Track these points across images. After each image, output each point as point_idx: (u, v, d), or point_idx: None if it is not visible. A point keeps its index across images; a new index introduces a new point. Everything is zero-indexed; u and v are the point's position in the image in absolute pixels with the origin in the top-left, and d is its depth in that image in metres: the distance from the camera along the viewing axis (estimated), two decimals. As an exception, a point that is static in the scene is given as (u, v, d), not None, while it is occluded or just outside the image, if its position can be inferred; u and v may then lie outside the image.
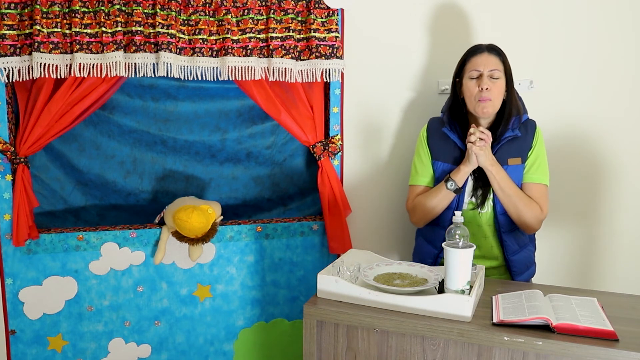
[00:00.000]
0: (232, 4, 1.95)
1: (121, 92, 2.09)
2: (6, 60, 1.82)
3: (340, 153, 2.16)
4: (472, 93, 1.78)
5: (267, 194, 2.32)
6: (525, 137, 1.82)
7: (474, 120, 1.85)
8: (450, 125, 1.86)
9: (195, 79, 1.97)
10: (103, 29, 1.85)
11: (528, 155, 1.82)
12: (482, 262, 1.85)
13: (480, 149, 1.72)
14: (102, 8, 1.85)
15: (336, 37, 2.01)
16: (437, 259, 1.90)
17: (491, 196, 1.81)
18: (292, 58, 2.00)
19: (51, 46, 1.83)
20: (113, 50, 1.85)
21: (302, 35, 2.01)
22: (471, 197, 1.84)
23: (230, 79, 1.98)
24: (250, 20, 1.96)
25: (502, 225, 1.82)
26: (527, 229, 1.83)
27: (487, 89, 1.75)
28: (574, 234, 2.32)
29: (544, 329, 1.35)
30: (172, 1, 1.89)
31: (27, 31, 1.83)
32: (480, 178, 1.81)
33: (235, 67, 1.95)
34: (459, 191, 1.79)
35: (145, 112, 2.14)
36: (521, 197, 1.77)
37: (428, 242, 1.94)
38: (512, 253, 1.84)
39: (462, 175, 1.78)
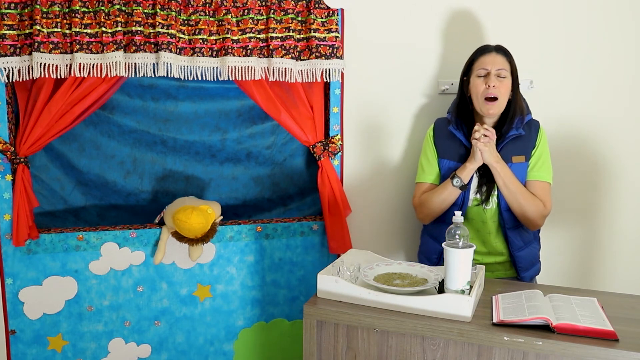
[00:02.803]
0: (232, 4, 1.95)
1: (121, 92, 2.09)
2: (6, 60, 1.82)
3: (340, 153, 2.16)
4: (479, 91, 1.82)
5: (267, 194, 2.32)
6: (529, 136, 1.86)
7: (480, 119, 1.89)
8: (457, 124, 1.90)
9: (195, 79, 1.97)
10: (103, 29, 1.85)
11: (532, 154, 1.86)
12: (487, 258, 1.90)
13: (484, 145, 1.75)
14: (102, 8, 1.85)
15: (336, 37, 2.01)
16: (442, 256, 1.91)
17: (496, 193, 1.85)
18: (292, 58, 2.00)
19: (51, 46, 1.83)
20: (113, 50, 1.85)
21: (302, 35, 2.01)
22: (476, 194, 1.87)
23: (230, 79, 1.98)
24: (250, 20, 1.96)
25: (506, 221, 1.86)
26: (531, 225, 1.85)
27: (494, 86, 1.79)
28: (574, 234, 2.32)
29: (544, 329, 1.34)
30: (172, 1, 1.89)
31: (27, 31, 1.83)
32: (485, 175, 1.84)
33: (235, 67, 1.95)
34: (465, 188, 1.82)
35: (145, 112, 2.14)
36: (524, 193, 1.80)
37: (433, 239, 1.97)
38: (517, 249, 1.88)
39: (468, 172, 1.81)
